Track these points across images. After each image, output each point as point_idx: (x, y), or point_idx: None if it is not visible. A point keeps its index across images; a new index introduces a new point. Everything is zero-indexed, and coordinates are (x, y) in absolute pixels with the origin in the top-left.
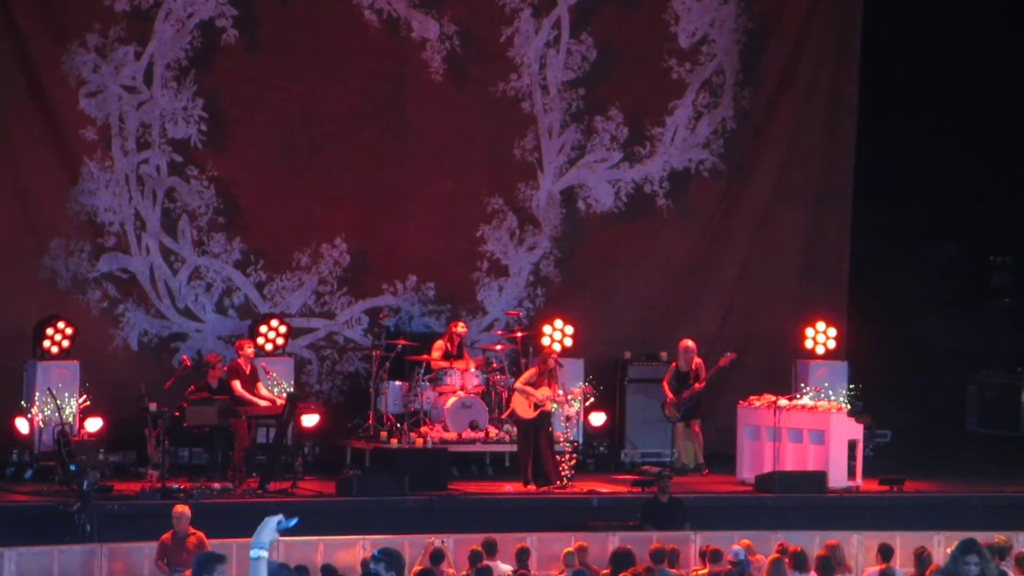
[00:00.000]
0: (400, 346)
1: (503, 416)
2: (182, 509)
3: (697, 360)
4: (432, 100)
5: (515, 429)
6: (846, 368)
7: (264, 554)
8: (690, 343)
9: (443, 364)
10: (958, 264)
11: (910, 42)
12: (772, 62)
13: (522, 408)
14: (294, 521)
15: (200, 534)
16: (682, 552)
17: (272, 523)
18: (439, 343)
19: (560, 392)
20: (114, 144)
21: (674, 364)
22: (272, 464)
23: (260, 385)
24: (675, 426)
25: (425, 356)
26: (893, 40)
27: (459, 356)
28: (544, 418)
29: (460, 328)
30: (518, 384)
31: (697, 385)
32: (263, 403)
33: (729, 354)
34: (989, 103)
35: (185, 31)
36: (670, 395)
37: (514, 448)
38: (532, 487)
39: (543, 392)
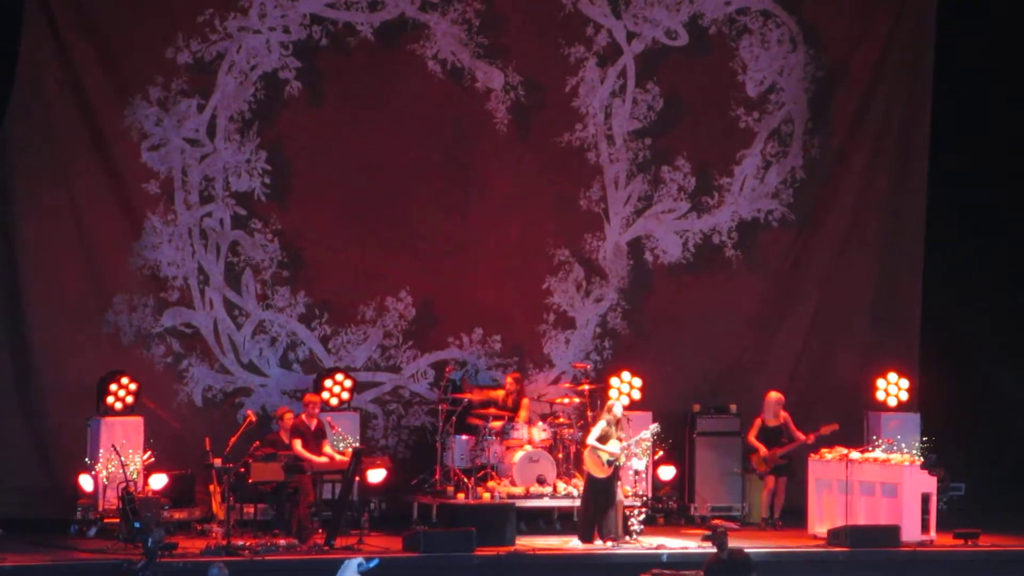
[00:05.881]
0: (466, 400)
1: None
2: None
3: (784, 413)
4: (497, 151)
5: (584, 484)
6: (919, 420)
7: None
8: (778, 395)
9: (497, 424)
10: None
11: (981, 88)
12: (842, 110)
13: (595, 467)
14: (375, 562)
15: None
16: None
17: (353, 566)
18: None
19: (624, 438)
20: (177, 198)
21: (759, 419)
22: (338, 520)
23: (325, 442)
24: (756, 479)
25: (491, 411)
26: (964, 87)
27: (515, 409)
28: (616, 473)
29: (509, 382)
30: (590, 442)
31: (802, 439)
32: (320, 460)
33: (833, 425)
34: None
35: (248, 83)
36: (763, 449)
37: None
38: (596, 544)
39: (613, 445)
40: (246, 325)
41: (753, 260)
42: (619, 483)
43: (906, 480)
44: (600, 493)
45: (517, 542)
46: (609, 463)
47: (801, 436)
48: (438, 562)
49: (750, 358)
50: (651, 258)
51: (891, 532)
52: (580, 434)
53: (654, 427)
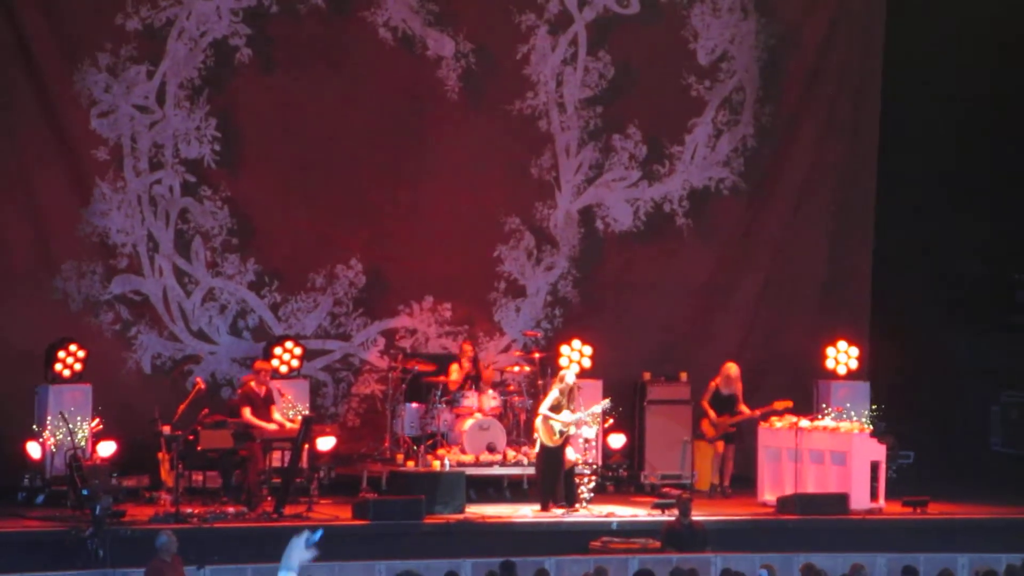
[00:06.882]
0: (416, 368)
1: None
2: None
3: (738, 385)
4: (448, 118)
5: (535, 452)
6: (868, 388)
7: None
8: (736, 368)
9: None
10: (982, 282)
11: (934, 56)
12: (793, 79)
13: (546, 436)
14: (319, 533)
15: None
16: (704, 575)
17: (300, 543)
18: (456, 365)
19: (574, 409)
20: (126, 164)
21: (714, 384)
22: (287, 488)
23: (274, 408)
24: (704, 446)
25: (442, 378)
26: (916, 54)
27: (478, 377)
28: (568, 442)
29: (468, 349)
30: (542, 411)
31: (747, 415)
32: (270, 427)
33: (787, 402)
34: (1017, 115)
35: (198, 50)
36: (714, 415)
37: (531, 471)
38: (550, 511)
39: (564, 415)
40: (195, 292)
41: (704, 229)
42: (566, 450)
43: (855, 448)
44: (553, 461)
45: (467, 510)
46: (561, 433)
47: (747, 412)
48: (387, 530)
49: (701, 327)
50: (602, 226)
51: (840, 500)
52: (530, 402)
53: (606, 402)
